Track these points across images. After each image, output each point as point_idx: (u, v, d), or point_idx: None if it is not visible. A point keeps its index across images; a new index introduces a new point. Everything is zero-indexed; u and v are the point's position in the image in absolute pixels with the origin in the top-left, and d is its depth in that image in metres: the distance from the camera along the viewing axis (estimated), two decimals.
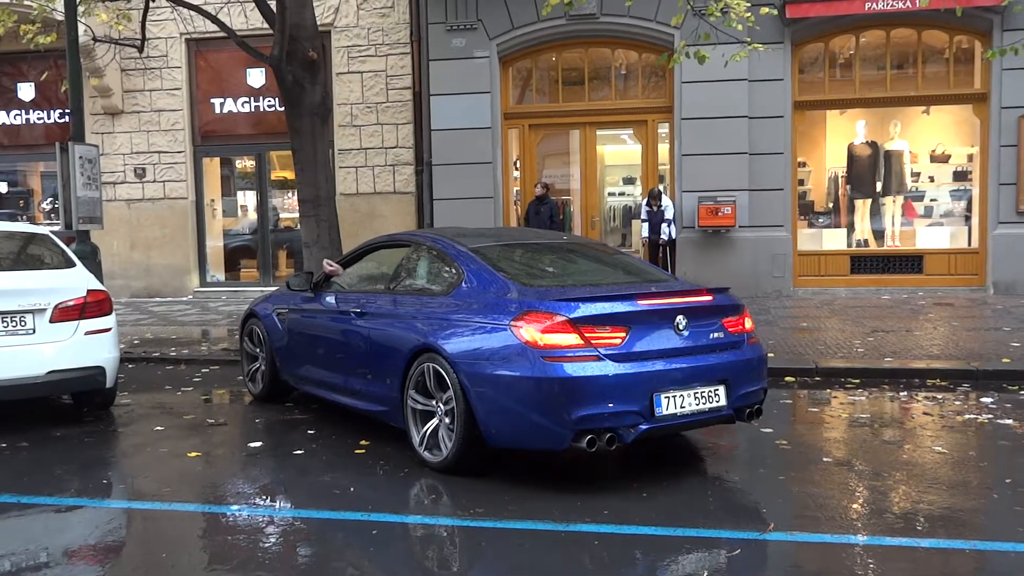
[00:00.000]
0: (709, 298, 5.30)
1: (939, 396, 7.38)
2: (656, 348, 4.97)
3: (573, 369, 4.75)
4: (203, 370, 9.12)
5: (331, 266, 6.83)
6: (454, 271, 5.69)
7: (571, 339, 4.81)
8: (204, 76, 15.13)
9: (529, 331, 4.86)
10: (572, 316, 4.84)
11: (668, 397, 4.93)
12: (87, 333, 6.52)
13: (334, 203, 10.10)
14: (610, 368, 4.80)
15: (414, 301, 5.78)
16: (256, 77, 14.82)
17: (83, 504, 4.96)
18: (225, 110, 15.11)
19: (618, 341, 4.87)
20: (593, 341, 4.83)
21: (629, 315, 4.95)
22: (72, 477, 5.44)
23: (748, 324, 5.48)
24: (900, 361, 8.41)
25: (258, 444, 6.19)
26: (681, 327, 5.06)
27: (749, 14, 9.10)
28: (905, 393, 7.54)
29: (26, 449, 6.03)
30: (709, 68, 10.62)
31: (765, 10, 9.81)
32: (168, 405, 7.49)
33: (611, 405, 4.78)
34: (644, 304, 5.03)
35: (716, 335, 5.24)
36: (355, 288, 6.70)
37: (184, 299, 14.93)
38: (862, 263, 13.64)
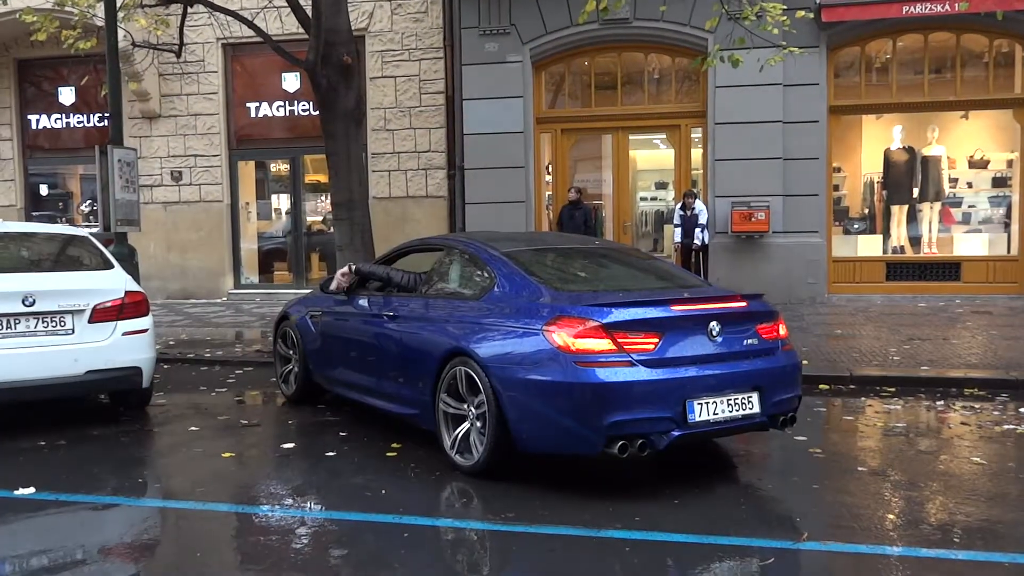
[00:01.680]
0: (743, 304, 5.26)
1: (977, 406, 7.27)
2: (689, 354, 4.94)
3: (606, 374, 4.73)
4: (237, 371, 9.20)
5: (344, 276, 6.82)
6: (486, 275, 5.70)
7: (604, 344, 4.79)
8: (240, 81, 15.31)
9: (562, 336, 4.85)
10: (605, 321, 4.83)
11: (701, 404, 4.89)
12: (125, 334, 6.61)
13: (367, 206, 10.16)
14: (643, 374, 4.78)
15: (446, 305, 5.80)
16: (291, 82, 14.96)
17: (119, 503, 5.03)
18: (260, 114, 15.27)
19: (651, 347, 4.85)
20: (626, 347, 4.81)
21: (662, 321, 4.93)
22: (108, 476, 5.52)
23: (782, 331, 5.43)
24: (937, 370, 8.29)
25: (291, 445, 6.23)
26: (715, 333, 5.02)
27: (785, 17, 9.03)
28: (942, 402, 7.43)
29: (64, 448, 6.12)
30: (743, 72, 10.56)
31: (800, 14, 9.69)
32: (203, 406, 7.57)
33: (644, 411, 4.75)
34: (677, 310, 5.00)
35: (750, 342, 5.19)
36: (388, 291, 6.73)
37: (218, 301, 15.09)
38: (898, 270, 13.47)
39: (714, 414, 4.94)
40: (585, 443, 4.81)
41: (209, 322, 12.69)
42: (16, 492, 5.08)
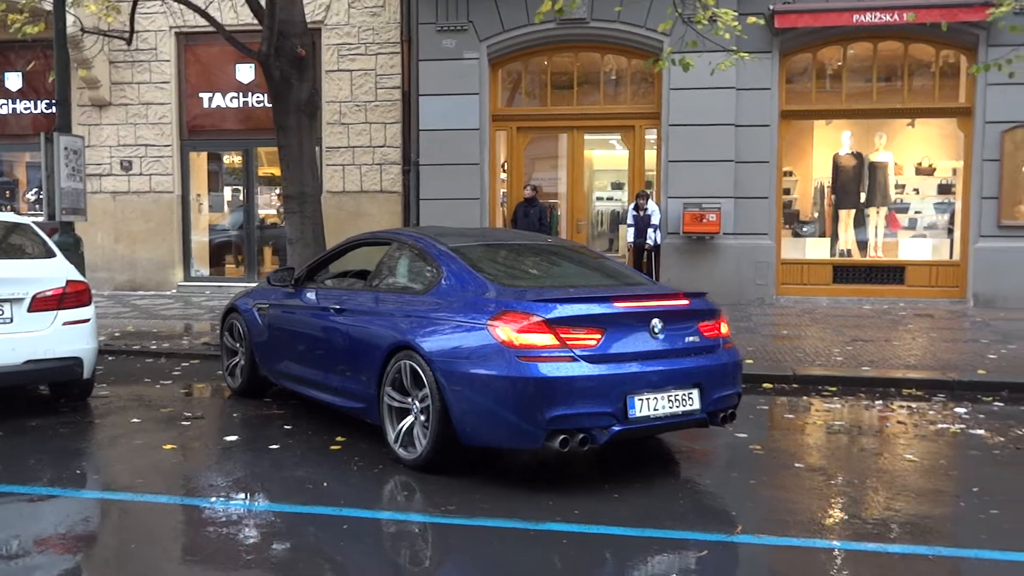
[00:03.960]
0: (685, 302, 5.34)
1: (914, 405, 7.45)
2: (631, 350, 5.01)
3: (548, 369, 4.78)
4: (183, 364, 9.11)
5: None
6: (434, 270, 5.72)
7: (546, 339, 4.84)
8: (193, 70, 15.12)
9: (505, 331, 4.89)
10: (548, 317, 4.88)
11: (642, 399, 4.96)
12: (65, 323, 6.51)
13: (319, 200, 10.12)
14: (584, 369, 4.83)
15: (393, 299, 5.80)
16: (245, 73, 14.82)
17: (56, 494, 4.96)
18: (213, 105, 15.10)
19: (593, 343, 4.91)
20: (568, 342, 4.86)
21: (605, 317, 4.99)
22: (46, 467, 5.44)
23: (724, 329, 5.53)
24: (877, 370, 8.49)
25: (234, 438, 6.20)
26: (656, 330, 5.10)
27: (736, 23, 9.16)
28: (881, 402, 7.61)
29: (0, 438, 6.01)
30: (697, 75, 10.69)
31: (752, 19, 9.86)
32: (146, 398, 7.48)
33: (584, 406, 4.81)
34: (620, 306, 5.07)
35: (691, 339, 5.28)
36: (337, 285, 6.73)
37: (168, 293, 14.90)
38: (845, 273, 13.74)
39: (654, 410, 5.01)
40: (527, 437, 4.85)
41: (157, 314, 12.53)
42: None
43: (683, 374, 5.15)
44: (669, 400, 5.08)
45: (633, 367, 4.98)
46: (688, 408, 5.15)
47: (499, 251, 6.31)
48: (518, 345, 4.84)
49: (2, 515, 4.66)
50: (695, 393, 5.18)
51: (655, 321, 5.10)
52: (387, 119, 14.30)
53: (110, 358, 9.22)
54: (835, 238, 14.11)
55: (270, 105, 10.02)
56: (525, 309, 4.95)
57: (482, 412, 4.95)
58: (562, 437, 4.79)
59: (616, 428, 4.90)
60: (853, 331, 10.81)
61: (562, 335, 4.86)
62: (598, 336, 4.93)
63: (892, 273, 13.62)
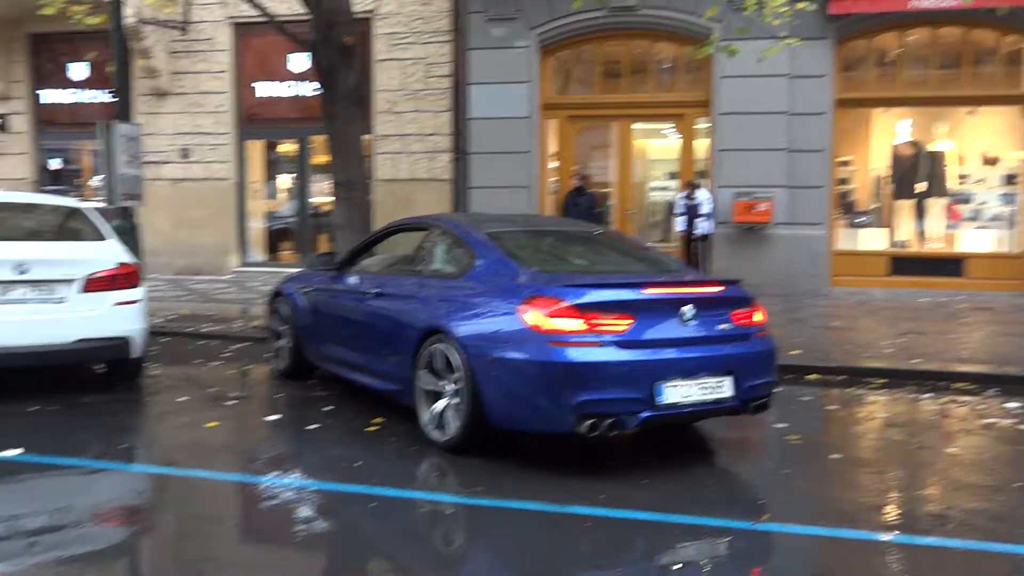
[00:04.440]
0: (718, 289, 5.32)
1: (964, 399, 7.29)
2: (661, 337, 5.01)
3: (576, 354, 4.81)
4: (233, 346, 9.33)
5: None
6: (468, 254, 5.77)
7: (576, 324, 4.87)
8: (249, 60, 15.39)
9: (535, 315, 4.92)
10: (577, 302, 4.90)
11: (672, 386, 4.96)
12: (116, 304, 6.72)
13: (366, 186, 10.25)
14: (613, 354, 4.85)
15: (428, 283, 5.88)
16: (299, 62, 15.01)
17: (102, 467, 5.14)
18: (269, 94, 15.36)
19: (623, 328, 4.92)
20: (598, 327, 4.88)
21: (635, 303, 4.99)
22: (94, 441, 5.64)
23: (758, 317, 5.48)
24: (928, 363, 8.31)
25: (275, 417, 6.35)
26: (687, 317, 5.08)
27: (786, 9, 9.01)
28: (930, 395, 7.45)
29: (54, 413, 6.25)
30: (748, 63, 10.57)
31: (802, 5, 9.68)
32: (195, 378, 7.70)
33: (613, 392, 4.83)
34: (650, 292, 5.07)
35: (724, 326, 5.25)
36: (376, 269, 6.83)
37: (224, 278, 15.23)
38: (901, 264, 13.43)
39: (684, 397, 5.00)
40: (556, 421, 4.89)
41: (212, 298, 12.84)
42: (3, 453, 5.21)
43: (715, 361, 5.12)
44: (700, 387, 5.06)
45: (663, 353, 4.98)
46: (719, 396, 5.13)
47: (535, 237, 6.34)
48: (547, 330, 4.87)
49: (52, 486, 4.85)
50: (727, 381, 5.15)
51: (686, 308, 5.09)
52: (437, 108, 14.38)
53: (164, 339, 9.48)
54: (892, 229, 13.81)
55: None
56: (555, 294, 4.98)
57: (512, 396, 5.00)
58: (591, 422, 4.81)
59: (645, 414, 4.90)
60: (907, 323, 10.59)
61: (591, 320, 4.88)
62: (628, 322, 4.94)
63: (951, 265, 13.28)
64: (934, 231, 13.63)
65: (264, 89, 15.37)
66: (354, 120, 9.93)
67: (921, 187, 13.62)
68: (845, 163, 13.88)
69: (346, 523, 4.30)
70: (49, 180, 16.75)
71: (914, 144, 13.69)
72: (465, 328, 5.24)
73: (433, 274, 6.03)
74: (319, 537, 4.16)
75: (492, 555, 4.10)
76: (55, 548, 3.94)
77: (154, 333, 9.05)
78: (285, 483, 4.86)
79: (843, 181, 13.91)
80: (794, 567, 3.89)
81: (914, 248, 13.63)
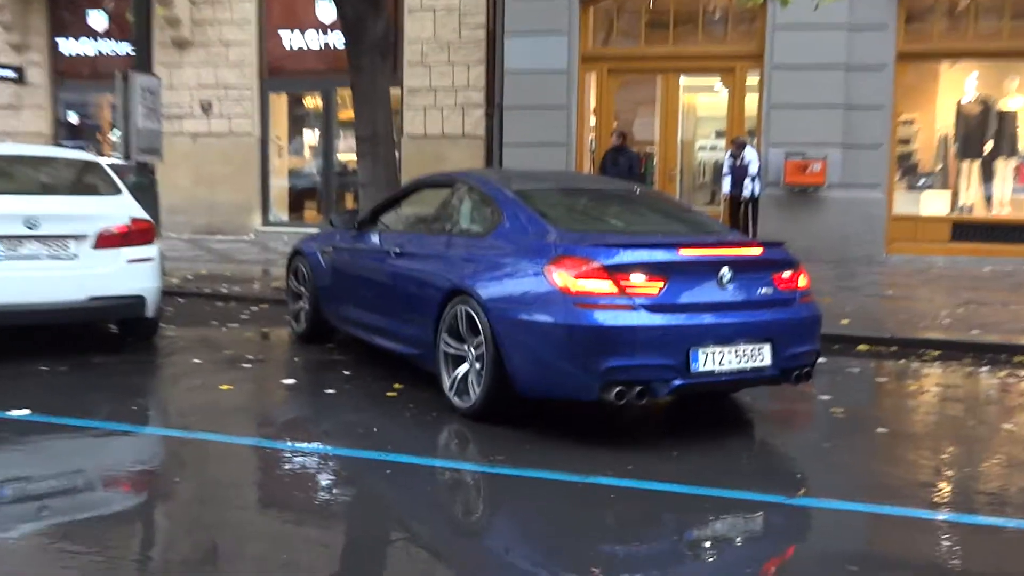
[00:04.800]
0: (758, 251, 5.24)
1: (1022, 373, 7.15)
2: (696, 301, 4.95)
3: (605, 318, 4.77)
4: (252, 308, 9.42)
5: None
6: (495, 212, 5.74)
7: (605, 286, 4.82)
8: (274, 8, 15.40)
9: (562, 276, 4.89)
10: (608, 263, 4.85)
11: (706, 353, 4.90)
12: (129, 261, 6.79)
13: (393, 141, 10.24)
14: (644, 319, 4.80)
15: (452, 242, 5.86)
16: (325, 11, 14.98)
17: (111, 428, 5.22)
18: (294, 45, 15.37)
19: (655, 291, 4.87)
20: (628, 290, 4.83)
21: (668, 265, 4.93)
22: (104, 402, 5.73)
23: (802, 282, 5.39)
24: (988, 335, 8.15)
25: (291, 381, 6.41)
26: (725, 280, 5.01)
27: None
28: (987, 368, 7.33)
29: (64, 373, 6.36)
30: (804, 12, 10.28)
31: None
32: (211, 339, 7.80)
33: (644, 358, 4.79)
34: (685, 254, 5.00)
35: (764, 290, 5.18)
36: (399, 227, 6.83)
37: (246, 238, 15.37)
38: (964, 230, 13.17)
39: (720, 364, 4.94)
40: (582, 388, 4.86)
41: (232, 258, 12.97)
42: (9, 412, 5.31)
43: (753, 327, 5.06)
44: (737, 355, 5.00)
45: (698, 318, 4.93)
46: (758, 364, 5.06)
47: (568, 196, 6.28)
48: (575, 292, 4.84)
49: (61, 448, 4.93)
50: (766, 348, 5.08)
51: (724, 270, 5.01)
52: (471, 60, 14.30)
53: (181, 300, 9.60)
54: (955, 192, 13.52)
55: None
56: (584, 254, 4.93)
57: (537, 361, 4.99)
58: (619, 389, 4.78)
59: (677, 382, 4.86)
60: (968, 293, 10.40)
61: (622, 282, 4.83)
62: (660, 284, 4.88)
63: (1019, 232, 12.99)
64: (1001, 195, 13.33)
65: (289, 40, 15.39)
66: (382, 72, 9.90)
67: (989, 148, 13.30)
68: (906, 122, 13.58)
69: (362, 490, 4.33)
70: (67, 134, 16.96)
71: (982, 101, 13.36)
72: (489, 289, 5.23)
73: (458, 233, 6.01)
74: (334, 504, 4.20)
75: (513, 526, 4.10)
76: (65, 512, 4.01)
77: (170, 294, 9.21)
78: (300, 448, 4.90)
79: (904, 141, 13.63)
80: (832, 543, 3.84)
81: (979, 213, 13.36)
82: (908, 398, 6.46)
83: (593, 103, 14.33)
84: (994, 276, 11.87)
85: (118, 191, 7.19)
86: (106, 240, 6.70)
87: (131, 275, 6.79)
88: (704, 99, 16.13)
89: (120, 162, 10.67)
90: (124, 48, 16.21)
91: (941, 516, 4.07)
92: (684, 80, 14.22)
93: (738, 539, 3.94)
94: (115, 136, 17.02)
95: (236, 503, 4.13)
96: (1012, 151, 13.26)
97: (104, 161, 8.14)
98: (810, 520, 4.13)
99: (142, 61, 10.97)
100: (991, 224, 13.15)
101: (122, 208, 6.95)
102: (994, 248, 12.91)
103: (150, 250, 7.00)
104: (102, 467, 4.67)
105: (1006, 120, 13.23)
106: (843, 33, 12.50)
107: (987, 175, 13.40)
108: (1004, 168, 13.32)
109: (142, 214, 7.08)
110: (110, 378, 6.32)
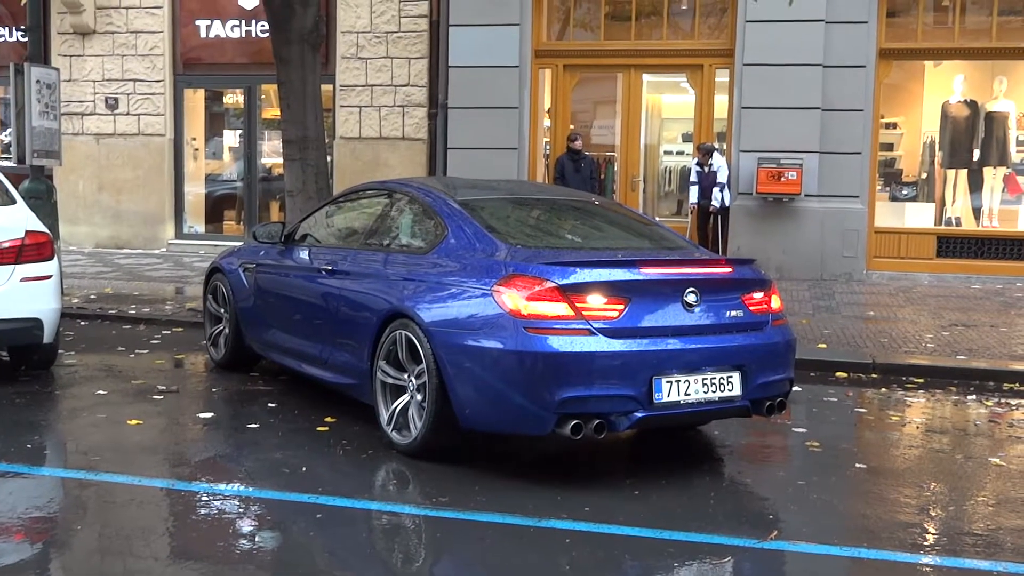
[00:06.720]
0: (727, 270, 5.37)
1: (1013, 402, 7.38)
2: (659, 325, 5.05)
3: (559, 343, 4.84)
4: (164, 332, 9.36)
5: None
6: (438, 226, 5.80)
7: (559, 309, 4.90)
8: None
9: (512, 297, 4.96)
10: (562, 282, 4.93)
11: (671, 382, 5.00)
12: (23, 280, 6.73)
13: (324, 145, 10.26)
14: (603, 344, 4.89)
15: (391, 259, 5.91)
16: None
17: (3, 470, 5.16)
18: (212, 34, 15.33)
19: (614, 314, 4.96)
20: (585, 313, 4.92)
21: (629, 284, 5.03)
22: None
23: (775, 303, 5.53)
24: (974, 360, 8.40)
25: (209, 415, 6.39)
26: (691, 302, 5.12)
27: None
28: (974, 397, 7.54)
29: None
30: (778, 6, 10.59)
31: None
32: (117, 368, 7.73)
33: (602, 387, 4.87)
34: (648, 273, 5.11)
35: (734, 313, 5.30)
36: (331, 242, 6.86)
37: (156, 252, 15.24)
38: (951, 245, 13.52)
39: (686, 395, 5.05)
40: (534, 422, 4.93)
41: (141, 275, 12.85)
42: None
43: (722, 354, 5.17)
44: (704, 384, 5.10)
45: (661, 344, 5.02)
46: (727, 394, 5.17)
47: (519, 207, 6.38)
48: (526, 315, 4.91)
49: None
50: (736, 376, 5.20)
51: (690, 291, 5.13)
52: (412, 54, 14.38)
53: (82, 323, 9.51)
54: (942, 204, 13.89)
55: None
56: (536, 273, 5.01)
57: (484, 391, 5.04)
58: (574, 423, 4.84)
59: (639, 415, 4.95)
60: (954, 314, 10.68)
61: (578, 304, 4.92)
62: (621, 307, 4.97)
63: (1009, 247, 13.37)
64: (990, 207, 13.71)
65: (207, 28, 15.31)
66: (312, 66, 9.93)
67: (977, 155, 13.68)
68: (889, 126, 13.92)
69: (289, 538, 4.34)
70: None
71: (970, 104, 13.74)
72: (432, 312, 5.28)
73: (397, 249, 6.06)
74: (258, 554, 4.19)
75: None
76: None
77: (71, 316, 9.12)
78: (218, 491, 4.89)
79: (886, 147, 13.97)
80: None
81: (967, 226, 13.73)
82: (890, 430, 6.62)
83: (547, 103, 14.47)
84: (983, 295, 12.20)
85: (11, 200, 7.12)
86: None
87: (26, 296, 6.73)
88: (670, 99, 16.37)
89: (12, 166, 10.55)
90: (13, 35, 16.00)
91: (925, 559, 4.19)
92: (648, 78, 14.42)
93: None
94: (6, 136, 16.79)
95: (145, 553, 4.12)
96: (1002, 159, 13.65)
97: None
98: (783, 565, 4.23)
99: (38, 51, 10.89)
100: (980, 238, 13.52)
101: (15, 219, 6.88)
102: (983, 265, 13.28)
103: (48, 267, 6.93)
104: None
105: (995, 125, 13.63)
106: (820, 28, 12.79)
107: (975, 185, 13.78)
108: (993, 177, 13.71)
109: (38, 226, 7.02)
110: (1, 413, 6.24)
